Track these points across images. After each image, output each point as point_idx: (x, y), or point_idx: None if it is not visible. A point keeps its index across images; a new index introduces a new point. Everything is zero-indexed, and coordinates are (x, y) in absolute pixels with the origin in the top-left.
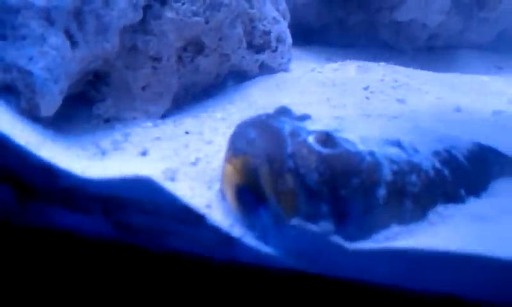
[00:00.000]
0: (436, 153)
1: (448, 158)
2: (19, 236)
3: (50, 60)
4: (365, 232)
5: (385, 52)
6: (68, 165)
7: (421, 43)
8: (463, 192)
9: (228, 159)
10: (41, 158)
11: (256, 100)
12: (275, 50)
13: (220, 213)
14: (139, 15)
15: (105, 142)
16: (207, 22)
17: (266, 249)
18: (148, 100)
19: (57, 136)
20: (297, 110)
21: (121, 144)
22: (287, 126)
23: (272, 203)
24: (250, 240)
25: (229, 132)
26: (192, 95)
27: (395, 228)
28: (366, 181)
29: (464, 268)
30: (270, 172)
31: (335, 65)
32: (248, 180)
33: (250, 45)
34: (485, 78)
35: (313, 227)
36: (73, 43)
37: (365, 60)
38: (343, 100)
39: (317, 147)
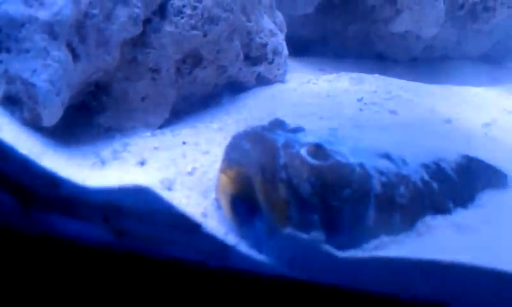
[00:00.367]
0: (425, 166)
1: (436, 171)
2: (21, 243)
3: (52, 72)
4: (355, 241)
5: (380, 63)
6: (69, 174)
7: (416, 54)
8: (450, 203)
9: (223, 170)
10: (43, 167)
11: (252, 111)
12: (271, 62)
13: (215, 221)
14: (139, 29)
15: (105, 152)
16: (205, 35)
17: (259, 256)
18: (147, 110)
19: (59, 145)
20: (292, 121)
21: (121, 154)
22: (281, 138)
23: (265, 212)
24: (244, 248)
25: (225, 142)
26: (190, 106)
27: (384, 238)
28: (356, 192)
29: (451, 277)
30: (263, 182)
31: (329, 76)
32: (242, 190)
33: (247, 57)
34: (477, 89)
35: (304, 236)
36: (75, 56)
37: (360, 71)
38: (336, 112)
39: (309, 159)
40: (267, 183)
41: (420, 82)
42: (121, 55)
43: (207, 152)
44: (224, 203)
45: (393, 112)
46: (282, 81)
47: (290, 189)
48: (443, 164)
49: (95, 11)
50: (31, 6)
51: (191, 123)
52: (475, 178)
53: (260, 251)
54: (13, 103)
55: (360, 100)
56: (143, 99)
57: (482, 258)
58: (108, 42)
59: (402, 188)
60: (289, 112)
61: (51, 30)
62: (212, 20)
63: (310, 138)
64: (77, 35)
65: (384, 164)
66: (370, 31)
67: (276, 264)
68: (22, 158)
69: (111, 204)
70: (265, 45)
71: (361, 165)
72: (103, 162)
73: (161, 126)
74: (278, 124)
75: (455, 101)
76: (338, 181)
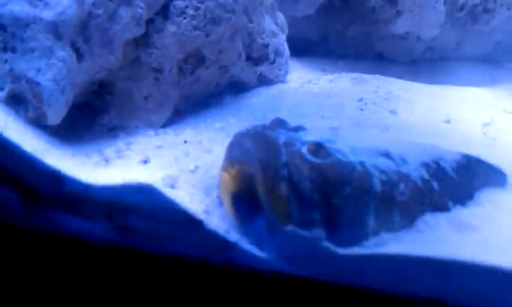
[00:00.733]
0: (425, 164)
1: (436, 169)
2: (25, 240)
3: (57, 72)
4: (355, 238)
5: (381, 63)
6: (73, 172)
7: (416, 55)
8: (449, 201)
9: (225, 168)
10: (48, 165)
11: (254, 110)
12: (273, 63)
13: (217, 219)
14: (142, 29)
15: (109, 151)
16: (207, 36)
17: (261, 253)
18: (150, 109)
19: (63, 144)
20: (293, 121)
21: (124, 153)
22: (282, 137)
23: (266, 209)
24: (245, 244)
25: (227, 141)
26: (192, 105)
27: (384, 235)
28: (356, 190)
29: (451, 274)
30: (265, 180)
31: (330, 77)
32: (244, 188)
33: (249, 58)
34: (477, 90)
35: (305, 233)
36: (79, 56)
37: (361, 72)
38: (337, 111)
39: (310, 157)
40: (268, 180)
41: (420, 82)
42: (125, 55)
43: (209, 150)
44: (226, 201)
45: (393, 112)
46: (283, 81)
47: (291, 187)
48: (442, 163)
49: (99, 12)
50: (35, 6)
51: (194, 122)
52: (475, 177)
53: (262, 248)
54: (18, 102)
55: (360, 100)
56: (145, 98)
57: (481, 255)
58: (111, 42)
59: (402, 187)
60: (290, 111)
61: (56, 30)
62: (214, 21)
63: (311, 137)
64: (81, 35)
65: (384, 162)
66: (370, 31)
67: (277, 261)
68: (27, 156)
69: (114, 201)
70: (266, 46)
71: (362, 163)
72: (107, 161)
73: (164, 125)
74: (279, 123)
75: (454, 101)
76: (339, 179)
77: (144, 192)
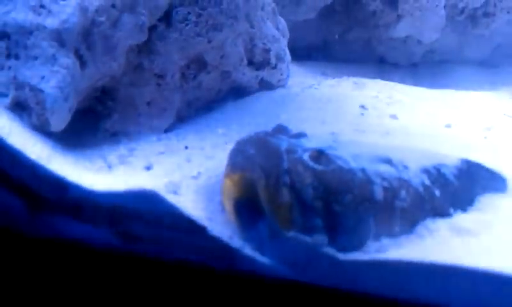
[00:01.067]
0: (425, 170)
1: (436, 175)
2: (29, 246)
3: (60, 79)
4: (357, 244)
5: (381, 67)
6: (77, 178)
7: (417, 59)
8: (450, 207)
9: (227, 174)
10: (51, 171)
11: (256, 115)
12: (274, 67)
13: (220, 225)
14: (145, 36)
15: (112, 156)
16: (209, 42)
17: (263, 259)
18: (152, 115)
19: (66, 150)
20: (294, 126)
21: (127, 158)
22: (284, 144)
23: (269, 215)
24: (248, 250)
25: (229, 146)
26: (194, 110)
27: (385, 241)
28: (358, 197)
29: (452, 279)
30: (267, 186)
31: (331, 81)
32: (246, 194)
33: (250, 63)
34: (477, 93)
35: (307, 239)
36: (83, 63)
37: (362, 76)
38: (338, 116)
39: (312, 164)
40: (270, 187)
41: (421, 86)
42: (127, 61)
43: (211, 157)
44: (229, 207)
45: (394, 116)
46: (285, 86)
47: (293, 193)
48: (443, 169)
49: (102, 19)
50: (39, 14)
51: (196, 128)
52: (475, 182)
53: (264, 254)
54: (21, 108)
55: (361, 105)
56: (148, 104)
57: (481, 260)
58: (114, 49)
59: (403, 193)
60: (292, 116)
61: (59, 37)
62: (216, 27)
63: (312, 143)
64: (84, 42)
65: (385, 168)
66: (371, 36)
67: (279, 266)
68: (31, 163)
69: (117, 207)
70: (268, 51)
71: (363, 170)
72: (110, 167)
73: (166, 131)
74: (281, 130)
75: (455, 105)
76: (340, 186)
77: (147, 198)
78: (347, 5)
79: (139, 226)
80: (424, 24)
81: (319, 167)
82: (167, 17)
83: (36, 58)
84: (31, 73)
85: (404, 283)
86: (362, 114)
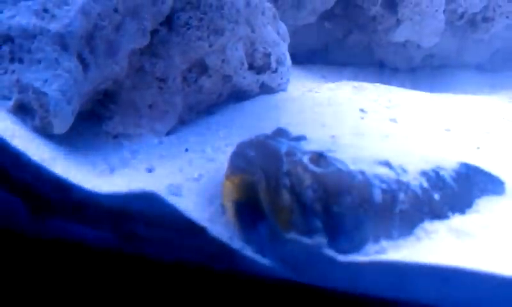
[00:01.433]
0: (424, 173)
1: (435, 178)
2: (32, 248)
3: (63, 82)
4: (356, 246)
5: (381, 71)
6: (79, 180)
7: (417, 63)
8: (448, 209)
9: (228, 176)
10: (54, 174)
11: (256, 119)
12: (275, 71)
13: (221, 226)
14: (147, 40)
15: (114, 159)
16: (210, 46)
17: (263, 260)
18: (154, 118)
19: (69, 152)
20: (294, 129)
21: (129, 161)
22: (284, 147)
23: (269, 217)
24: (248, 252)
25: (230, 149)
26: (196, 113)
27: (384, 243)
28: (357, 199)
29: (451, 281)
30: (267, 189)
31: (331, 85)
32: (247, 196)
33: (251, 66)
34: (477, 98)
35: (307, 240)
36: (85, 66)
37: (361, 80)
38: (338, 120)
39: (311, 166)
40: (271, 189)
41: (420, 90)
42: (129, 65)
43: (212, 159)
44: (230, 209)
45: (393, 120)
46: (285, 90)
47: (293, 196)
48: (442, 172)
49: (105, 23)
50: (42, 18)
51: (197, 131)
52: (473, 185)
53: (264, 255)
54: (24, 111)
55: (361, 108)
56: (150, 107)
57: (480, 262)
58: (117, 53)
59: (401, 195)
60: (292, 120)
61: (62, 41)
62: (217, 31)
63: (312, 146)
64: (87, 46)
65: (384, 171)
66: (371, 40)
67: (279, 268)
68: (34, 165)
69: (119, 209)
70: (268, 55)
71: (362, 172)
72: (112, 169)
73: (168, 134)
74: (280, 133)
75: (454, 109)
76: (340, 188)
77: (149, 200)
78: (347, 9)
79: (141, 228)
80: (424, 29)
81: (318, 170)
82: (169, 21)
83: (39, 62)
84: (35, 77)
85: (403, 284)
86: (362, 117)
